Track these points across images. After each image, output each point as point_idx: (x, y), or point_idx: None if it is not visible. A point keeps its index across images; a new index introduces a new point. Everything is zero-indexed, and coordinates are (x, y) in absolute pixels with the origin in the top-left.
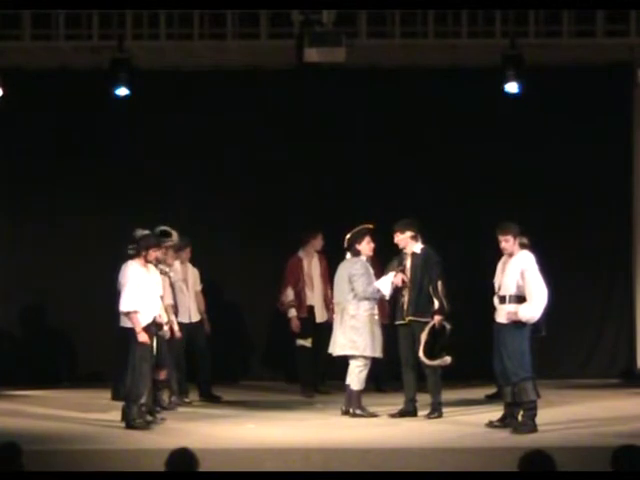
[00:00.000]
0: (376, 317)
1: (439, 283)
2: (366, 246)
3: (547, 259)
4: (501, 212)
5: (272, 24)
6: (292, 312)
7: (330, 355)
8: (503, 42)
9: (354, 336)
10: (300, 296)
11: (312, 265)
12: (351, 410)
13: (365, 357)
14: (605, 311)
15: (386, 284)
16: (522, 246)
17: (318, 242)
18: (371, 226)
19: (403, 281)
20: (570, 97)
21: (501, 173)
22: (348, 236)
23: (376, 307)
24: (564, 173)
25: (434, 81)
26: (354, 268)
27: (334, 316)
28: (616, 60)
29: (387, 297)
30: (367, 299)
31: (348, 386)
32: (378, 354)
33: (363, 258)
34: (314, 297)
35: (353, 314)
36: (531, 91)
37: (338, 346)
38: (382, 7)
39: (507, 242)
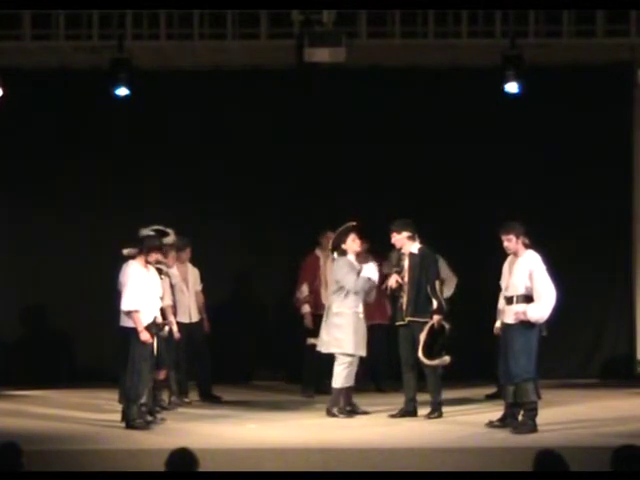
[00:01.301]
0: (361, 315)
1: (437, 283)
2: (352, 243)
3: (547, 259)
4: (501, 212)
5: (272, 24)
6: (306, 308)
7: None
8: (503, 42)
9: (338, 333)
10: (315, 294)
11: (327, 265)
12: (332, 409)
13: (349, 355)
14: (605, 311)
15: (372, 270)
16: (525, 246)
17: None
18: (354, 223)
19: (397, 282)
20: (570, 97)
21: (501, 173)
22: (334, 237)
23: (361, 305)
24: (564, 173)
25: (434, 81)
26: (338, 266)
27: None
28: (616, 60)
29: (375, 282)
30: (358, 293)
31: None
32: (361, 352)
33: (350, 257)
34: (327, 296)
35: (337, 311)
36: (531, 91)
37: (323, 343)
38: (382, 7)
39: (510, 242)
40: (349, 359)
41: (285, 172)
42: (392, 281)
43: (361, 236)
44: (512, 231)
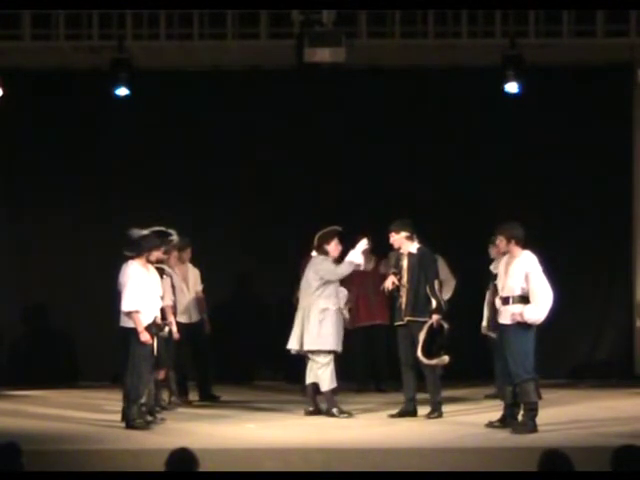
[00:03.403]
0: (342, 312)
1: (436, 282)
2: (334, 247)
3: (547, 259)
4: (501, 212)
5: (272, 24)
6: None
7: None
8: (503, 42)
9: (324, 330)
10: None
11: None
12: (326, 410)
13: (328, 353)
14: (605, 311)
15: (356, 254)
16: (522, 247)
17: None
18: (340, 228)
19: (394, 284)
20: (570, 97)
21: (501, 173)
22: (318, 235)
23: (342, 303)
24: (564, 173)
25: (434, 81)
26: (317, 261)
27: (297, 312)
28: (616, 60)
29: (362, 267)
30: (334, 282)
31: (310, 385)
32: (340, 349)
33: (329, 259)
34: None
35: (323, 308)
36: (531, 91)
37: (308, 341)
38: (382, 7)
39: (500, 242)
40: (327, 359)
41: (285, 172)
42: (388, 282)
43: (342, 242)
44: (503, 232)
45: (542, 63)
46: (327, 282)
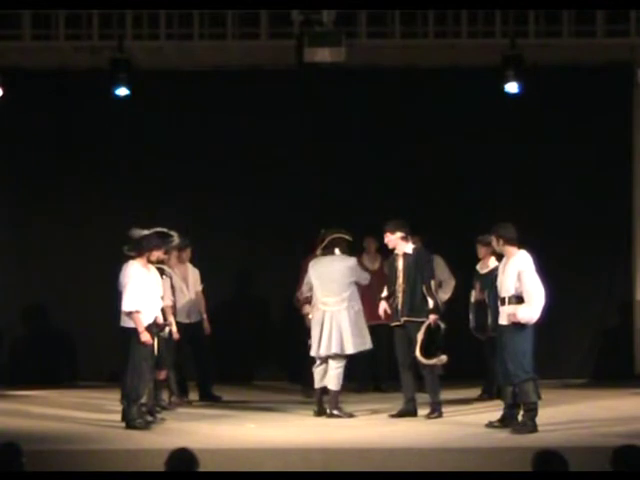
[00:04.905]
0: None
1: (432, 282)
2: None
3: (547, 259)
4: (501, 212)
5: (272, 24)
6: (306, 308)
7: None
8: (503, 42)
9: (362, 331)
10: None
11: None
12: (328, 410)
13: (347, 355)
14: (605, 311)
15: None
16: (518, 247)
17: None
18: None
19: (385, 311)
20: (570, 97)
21: (501, 173)
22: (332, 236)
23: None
24: (564, 173)
25: (434, 81)
26: (349, 263)
27: (324, 315)
28: (616, 60)
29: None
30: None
31: (320, 389)
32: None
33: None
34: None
35: (358, 309)
36: (531, 91)
37: (353, 344)
38: (382, 7)
39: (494, 243)
40: (344, 361)
41: (285, 172)
42: (381, 311)
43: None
44: (494, 233)
45: (542, 63)
46: (355, 284)
